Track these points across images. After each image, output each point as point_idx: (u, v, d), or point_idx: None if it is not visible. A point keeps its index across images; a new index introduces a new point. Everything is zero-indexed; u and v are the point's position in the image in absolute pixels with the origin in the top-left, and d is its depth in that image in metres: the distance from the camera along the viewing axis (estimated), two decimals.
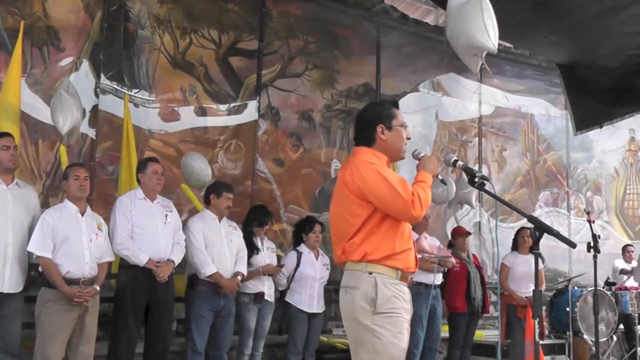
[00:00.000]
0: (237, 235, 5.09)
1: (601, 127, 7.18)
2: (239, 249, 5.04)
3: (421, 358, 5.84)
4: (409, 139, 2.92)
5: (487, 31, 5.00)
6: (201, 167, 5.60)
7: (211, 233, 4.89)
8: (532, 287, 6.38)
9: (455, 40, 5.27)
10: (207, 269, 4.74)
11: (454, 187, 7.01)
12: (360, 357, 2.72)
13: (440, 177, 2.94)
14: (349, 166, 2.85)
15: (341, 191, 2.84)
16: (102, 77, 6.05)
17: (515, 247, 6.54)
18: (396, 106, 2.99)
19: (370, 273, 2.71)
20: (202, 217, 4.99)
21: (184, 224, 4.93)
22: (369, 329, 2.67)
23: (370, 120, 2.90)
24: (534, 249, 2.78)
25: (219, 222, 4.99)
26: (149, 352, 4.62)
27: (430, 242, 6.05)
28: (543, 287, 6.39)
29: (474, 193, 7.30)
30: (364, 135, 2.90)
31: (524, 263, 6.31)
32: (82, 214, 4.22)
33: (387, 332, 2.66)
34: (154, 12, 6.43)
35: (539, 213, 9.27)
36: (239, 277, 4.90)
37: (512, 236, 6.67)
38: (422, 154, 2.95)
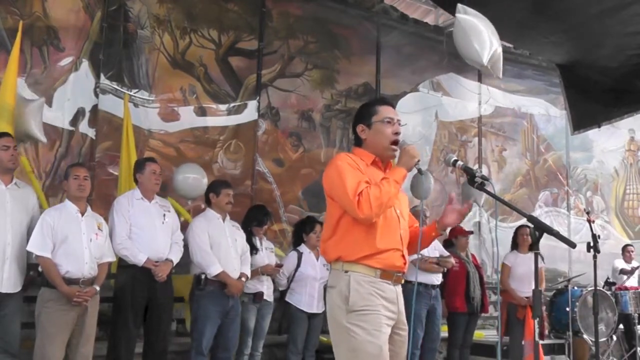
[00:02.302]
0: (241, 236, 5.08)
1: (599, 127, 7.18)
2: (244, 249, 5.04)
3: (421, 358, 5.84)
4: (397, 133, 2.83)
5: (475, 48, 5.17)
6: (197, 180, 5.63)
7: (216, 233, 4.87)
8: (533, 286, 6.42)
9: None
10: (213, 269, 4.73)
11: (432, 180, 7.15)
12: (339, 356, 2.69)
13: (417, 167, 2.81)
14: (328, 166, 2.86)
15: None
16: (102, 77, 6.05)
17: (515, 245, 6.54)
18: (383, 103, 2.94)
19: (346, 272, 2.69)
20: (205, 217, 4.97)
21: (183, 224, 4.93)
22: (344, 327, 2.64)
23: (354, 122, 2.93)
24: (534, 247, 2.75)
25: (223, 221, 4.98)
26: (148, 352, 4.61)
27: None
28: (543, 286, 6.40)
29: (482, 192, 7.29)
30: (355, 135, 2.93)
31: (525, 263, 6.30)
32: (82, 214, 4.22)
33: (361, 331, 2.61)
34: (154, 12, 6.43)
35: (539, 213, 9.27)
36: (243, 279, 4.90)
37: (512, 235, 6.67)
38: (404, 146, 2.85)
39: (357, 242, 2.69)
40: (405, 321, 2.82)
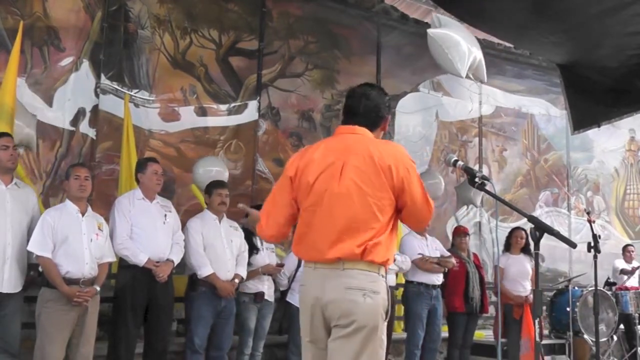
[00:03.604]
0: (238, 236, 5.07)
1: (599, 127, 7.18)
2: (240, 250, 5.03)
3: (421, 358, 5.84)
4: None
5: (451, 60, 5.21)
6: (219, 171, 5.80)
7: (211, 234, 4.88)
8: (527, 285, 6.51)
9: None
10: (204, 270, 4.74)
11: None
12: None
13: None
14: (391, 154, 2.53)
15: (371, 177, 2.50)
16: (103, 77, 6.05)
17: (508, 247, 6.55)
18: None
19: (383, 276, 2.52)
20: (202, 218, 4.99)
21: (183, 224, 4.93)
22: (379, 339, 2.49)
23: (386, 106, 2.72)
24: (532, 249, 2.74)
25: (219, 222, 4.98)
26: (148, 352, 4.62)
27: (432, 243, 6.06)
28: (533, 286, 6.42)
29: (479, 194, 7.32)
30: (374, 117, 2.68)
31: (516, 263, 6.42)
32: (83, 214, 4.22)
33: (385, 341, 2.53)
34: (154, 12, 6.43)
35: (539, 213, 9.27)
36: (237, 280, 4.89)
37: (506, 237, 6.67)
38: None
39: (393, 247, 2.59)
40: None
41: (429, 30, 5.35)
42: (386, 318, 2.50)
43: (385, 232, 2.50)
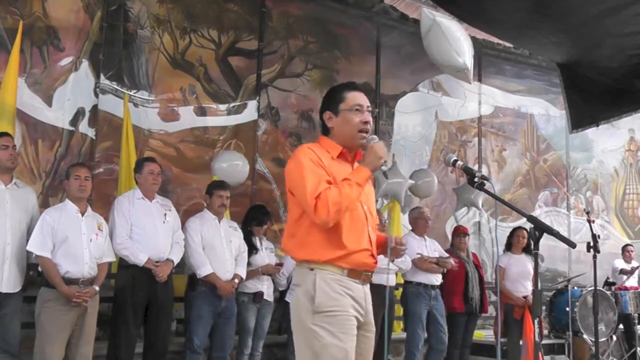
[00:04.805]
0: (238, 236, 5.08)
1: (598, 126, 7.19)
2: (240, 250, 5.04)
3: (426, 358, 5.84)
4: (366, 122, 2.62)
5: (455, 51, 5.08)
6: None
7: (210, 234, 4.89)
8: (528, 285, 6.49)
9: (435, 62, 5.38)
10: (203, 270, 4.75)
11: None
12: (302, 358, 2.52)
13: (384, 168, 2.62)
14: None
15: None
16: (102, 77, 6.05)
17: (509, 246, 6.54)
18: (353, 88, 2.70)
19: (312, 269, 2.51)
20: (201, 218, 4.99)
21: (183, 223, 4.93)
22: (308, 329, 2.47)
23: (320, 108, 2.73)
24: (532, 249, 2.73)
25: (219, 222, 4.98)
26: (148, 351, 4.62)
27: (430, 244, 6.06)
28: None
29: (480, 196, 7.30)
30: (322, 125, 2.73)
31: (518, 263, 6.39)
32: (83, 214, 4.22)
33: (325, 333, 2.44)
34: (154, 12, 6.43)
35: (539, 213, 9.27)
36: (236, 280, 4.90)
37: (507, 236, 6.65)
38: (373, 141, 2.63)
39: (323, 244, 2.50)
40: (373, 323, 2.65)
41: (437, 19, 5.14)
42: (314, 306, 2.46)
43: (298, 231, 2.56)
